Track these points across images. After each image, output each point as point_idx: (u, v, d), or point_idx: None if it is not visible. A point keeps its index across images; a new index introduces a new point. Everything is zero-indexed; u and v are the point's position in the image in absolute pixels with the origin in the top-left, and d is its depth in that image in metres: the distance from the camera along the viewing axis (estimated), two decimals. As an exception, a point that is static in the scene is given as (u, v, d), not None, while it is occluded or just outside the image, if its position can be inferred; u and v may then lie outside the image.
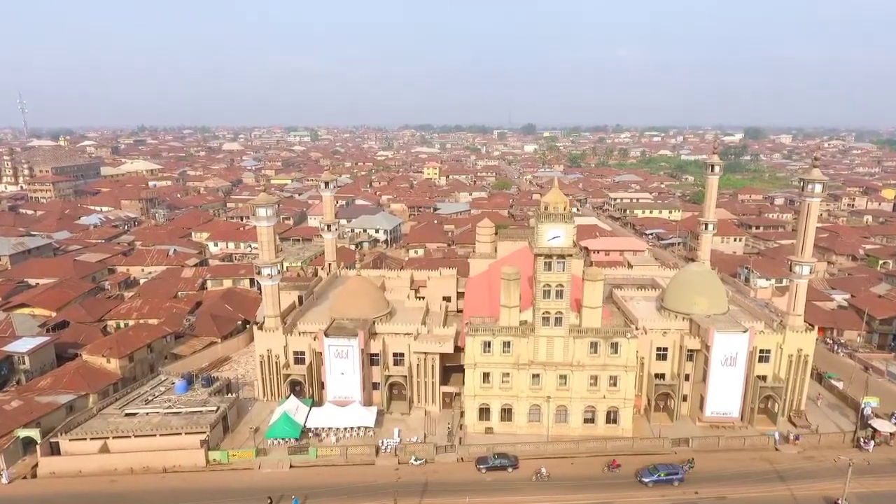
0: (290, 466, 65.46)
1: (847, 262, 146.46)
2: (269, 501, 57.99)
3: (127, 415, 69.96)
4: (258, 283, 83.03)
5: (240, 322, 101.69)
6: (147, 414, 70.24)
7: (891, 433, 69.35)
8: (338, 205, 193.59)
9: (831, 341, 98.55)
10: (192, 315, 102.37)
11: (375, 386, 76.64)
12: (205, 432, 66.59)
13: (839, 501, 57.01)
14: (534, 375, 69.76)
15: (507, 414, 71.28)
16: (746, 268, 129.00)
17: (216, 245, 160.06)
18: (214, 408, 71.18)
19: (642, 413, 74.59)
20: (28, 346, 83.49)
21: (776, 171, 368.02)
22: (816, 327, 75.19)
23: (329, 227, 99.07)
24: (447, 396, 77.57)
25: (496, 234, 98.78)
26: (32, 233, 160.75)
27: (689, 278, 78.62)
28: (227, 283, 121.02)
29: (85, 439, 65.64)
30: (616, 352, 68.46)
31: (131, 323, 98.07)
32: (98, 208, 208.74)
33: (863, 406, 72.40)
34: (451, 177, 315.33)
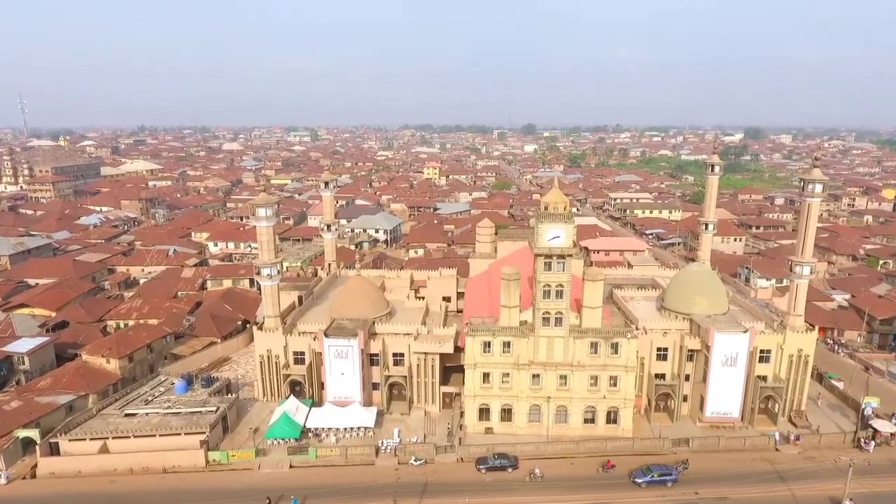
0: (290, 467, 65.39)
1: (847, 262, 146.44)
2: (267, 502, 57.90)
3: (126, 415, 69.87)
4: (258, 283, 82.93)
5: (240, 322, 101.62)
6: (147, 414, 70.15)
7: (891, 433, 69.24)
8: (338, 205, 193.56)
9: (832, 341, 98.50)
10: (192, 315, 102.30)
11: (375, 386, 76.56)
12: (204, 433, 66.50)
13: (845, 502, 56.88)
14: (534, 376, 69.68)
15: (507, 414, 71.21)
16: (747, 268, 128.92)
17: (216, 245, 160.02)
18: (214, 408, 71.10)
19: (642, 413, 74.51)
20: (28, 346, 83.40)
21: (776, 171, 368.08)
22: (817, 327, 75.08)
23: (329, 227, 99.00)
24: (447, 397, 77.49)
25: (496, 234, 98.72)
26: (32, 233, 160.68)
27: (690, 278, 78.54)
28: (227, 284, 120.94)
29: (84, 440, 65.57)
30: (616, 352, 68.38)
31: (131, 323, 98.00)
32: (98, 208, 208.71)
33: (863, 406, 72.27)
34: (451, 177, 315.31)
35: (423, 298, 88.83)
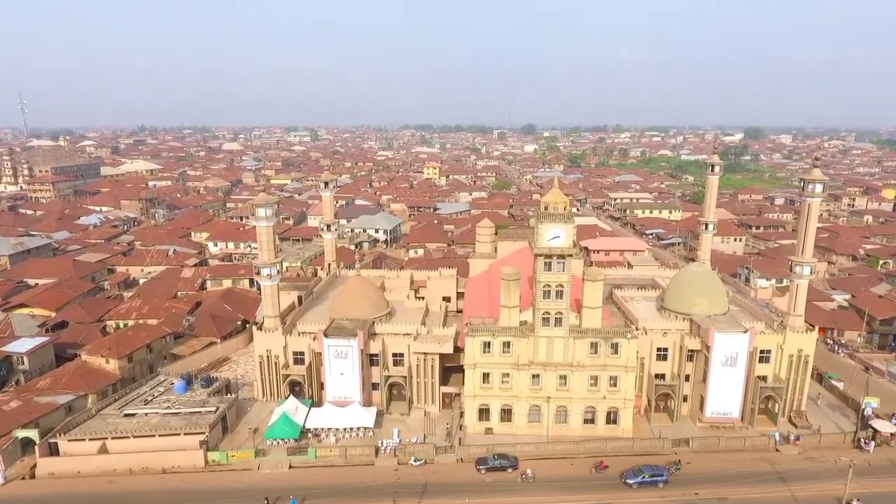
0: (290, 467, 65.31)
1: (847, 262, 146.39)
2: (265, 502, 57.79)
3: (126, 415, 69.79)
4: (258, 283, 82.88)
5: (239, 322, 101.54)
6: (146, 414, 70.07)
7: (891, 434, 69.18)
8: (338, 205, 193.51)
9: (832, 341, 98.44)
10: (192, 315, 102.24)
11: (375, 386, 76.48)
12: (204, 433, 66.42)
13: (854, 502, 56.78)
14: (534, 376, 69.60)
15: (506, 414, 71.13)
16: (747, 268, 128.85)
17: (216, 245, 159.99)
18: (213, 408, 71.03)
19: (642, 413, 74.45)
20: (27, 346, 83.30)
21: (776, 171, 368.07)
22: (817, 327, 74.99)
23: (329, 227, 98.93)
24: (447, 397, 77.40)
25: (496, 234, 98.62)
26: (32, 233, 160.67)
27: (690, 278, 78.46)
28: (227, 284, 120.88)
29: (84, 440, 65.49)
30: (616, 352, 68.31)
31: (131, 323, 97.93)
32: (98, 208, 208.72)
33: (863, 406, 72.20)
34: (451, 177, 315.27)
35: (423, 298, 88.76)
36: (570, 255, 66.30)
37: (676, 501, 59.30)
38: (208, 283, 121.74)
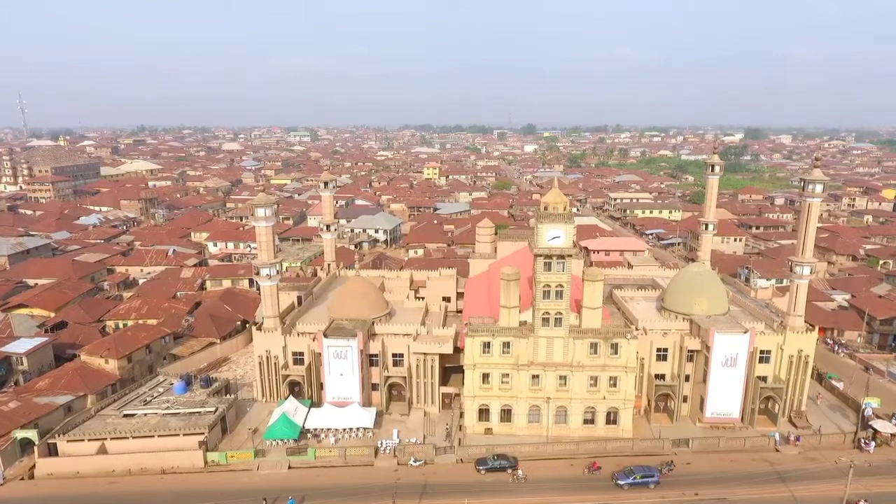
0: (289, 467, 65.23)
1: (847, 262, 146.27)
2: (264, 503, 57.66)
3: (125, 416, 69.70)
4: (257, 283, 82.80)
5: (239, 323, 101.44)
6: (145, 415, 69.98)
7: (891, 434, 69.10)
8: (337, 205, 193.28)
9: (832, 342, 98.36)
10: (191, 315, 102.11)
11: (374, 387, 76.41)
12: (203, 433, 66.32)
13: (861, 502, 56.64)
14: (533, 376, 69.52)
15: (506, 415, 71.04)
16: (747, 268, 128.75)
17: (215, 245, 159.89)
18: (213, 409, 70.94)
19: (642, 414, 74.37)
20: (26, 346, 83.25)
21: (776, 171, 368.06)
22: (817, 328, 74.89)
23: (328, 227, 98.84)
24: (446, 397, 77.30)
25: (496, 234, 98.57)
26: (31, 233, 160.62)
27: (690, 279, 78.37)
28: (227, 284, 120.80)
29: (83, 440, 65.39)
30: (616, 352, 68.23)
31: (130, 323, 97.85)
32: (97, 208, 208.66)
33: (863, 407, 72.16)
34: (451, 177, 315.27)
35: (423, 299, 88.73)
36: (570, 256, 66.22)
37: (676, 501, 59.21)
38: (208, 284, 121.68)
